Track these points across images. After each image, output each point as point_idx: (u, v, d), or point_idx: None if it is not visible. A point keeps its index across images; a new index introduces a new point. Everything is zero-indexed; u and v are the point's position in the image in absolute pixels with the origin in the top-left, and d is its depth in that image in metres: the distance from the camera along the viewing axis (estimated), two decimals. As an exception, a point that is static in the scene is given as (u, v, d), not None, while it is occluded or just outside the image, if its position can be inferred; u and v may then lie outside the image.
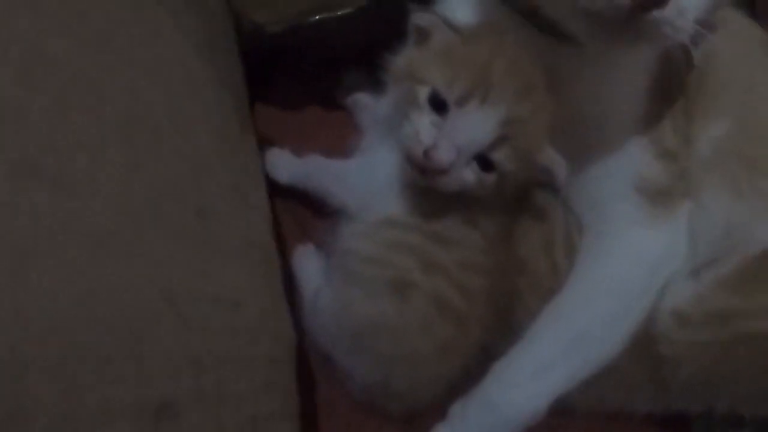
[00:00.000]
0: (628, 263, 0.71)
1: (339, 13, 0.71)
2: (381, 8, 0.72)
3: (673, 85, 0.73)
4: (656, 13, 0.53)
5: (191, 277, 0.49)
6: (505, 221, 0.71)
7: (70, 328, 0.41)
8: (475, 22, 0.70)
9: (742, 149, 0.75)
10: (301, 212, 0.79)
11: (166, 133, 0.51)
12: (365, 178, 0.72)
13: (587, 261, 0.72)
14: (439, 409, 0.70)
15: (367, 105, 0.82)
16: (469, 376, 0.70)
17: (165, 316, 0.47)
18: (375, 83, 0.79)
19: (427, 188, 0.67)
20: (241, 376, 0.52)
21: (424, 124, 0.61)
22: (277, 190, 0.78)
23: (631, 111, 0.71)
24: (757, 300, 0.67)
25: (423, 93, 0.62)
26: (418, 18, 0.65)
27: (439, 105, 0.61)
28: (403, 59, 0.66)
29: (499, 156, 0.61)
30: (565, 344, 0.68)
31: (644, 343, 0.69)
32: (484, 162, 0.62)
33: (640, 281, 0.70)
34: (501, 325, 0.71)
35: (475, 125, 0.60)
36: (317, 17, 0.71)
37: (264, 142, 0.78)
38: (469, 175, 0.62)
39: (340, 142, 0.77)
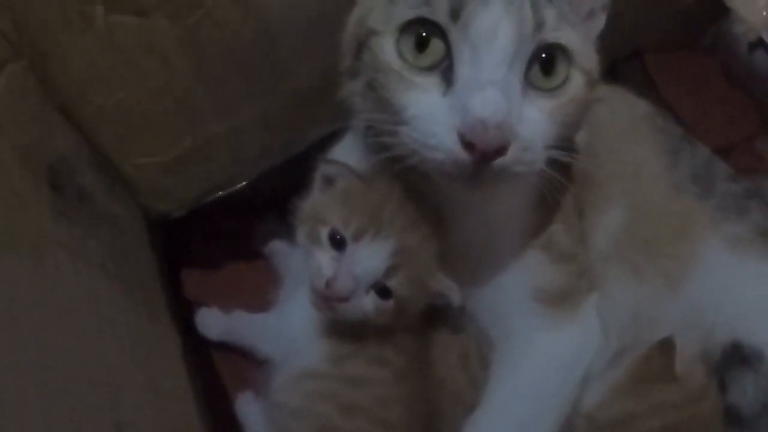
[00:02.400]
0: (540, 369, 0.73)
1: (236, 187, 0.78)
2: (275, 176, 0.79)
3: (555, 195, 0.73)
4: (500, 161, 0.55)
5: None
6: (416, 348, 0.77)
7: None
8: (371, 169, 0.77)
9: (636, 234, 0.79)
10: (238, 362, 0.85)
11: (80, 367, 0.58)
12: (282, 330, 0.79)
13: (499, 373, 0.74)
14: None
15: (283, 251, 0.89)
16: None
17: None
18: (289, 229, 0.86)
19: (336, 333, 0.75)
20: None
21: (325, 260, 0.68)
22: (214, 344, 0.85)
23: (515, 230, 0.74)
24: (648, 400, 0.72)
25: (324, 232, 0.69)
26: (327, 168, 0.72)
27: (337, 242, 0.69)
28: (307, 203, 0.74)
29: (393, 283, 0.68)
30: None
31: None
32: (381, 290, 0.69)
33: (555, 384, 0.73)
34: (430, 444, 0.77)
35: (369, 257, 0.67)
36: (216, 195, 0.78)
37: (194, 304, 0.85)
38: (369, 302, 0.68)
39: (264, 292, 0.84)
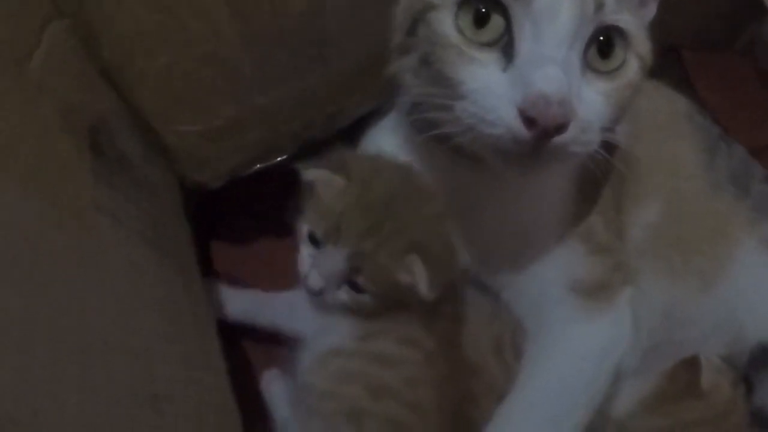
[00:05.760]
0: (573, 360, 0.73)
1: (275, 160, 0.77)
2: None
3: (595, 185, 0.75)
4: (559, 138, 0.55)
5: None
6: (447, 331, 0.76)
7: None
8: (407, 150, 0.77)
9: (673, 230, 0.79)
10: (265, 338, 0.84)
11: (118, 335, 0.56)
12: (310, 307, 0.79)
13: (531, 364, 0.74)
14: None
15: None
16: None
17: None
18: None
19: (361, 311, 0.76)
20: None
21: (304, 256, 0.74)
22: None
23: (554, 218, 0.74)
24: (676, 418, 0.73)
25: (304, 230, 0.74)
26: (306, 174, 0.74)
27: (315, 241, 0.74)
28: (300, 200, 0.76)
29: (361, 280, 0.72)
30: None
31: None
32: (353, 285, 0.73)
33: (587, 376, 0.73)
34: (461, 429, 0.75)
35: (331, 259, 0.72)
36: (254, 168, 0.76)
37: (222, 278, 0.84)
38: (344, 295, 0.73)
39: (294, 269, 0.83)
